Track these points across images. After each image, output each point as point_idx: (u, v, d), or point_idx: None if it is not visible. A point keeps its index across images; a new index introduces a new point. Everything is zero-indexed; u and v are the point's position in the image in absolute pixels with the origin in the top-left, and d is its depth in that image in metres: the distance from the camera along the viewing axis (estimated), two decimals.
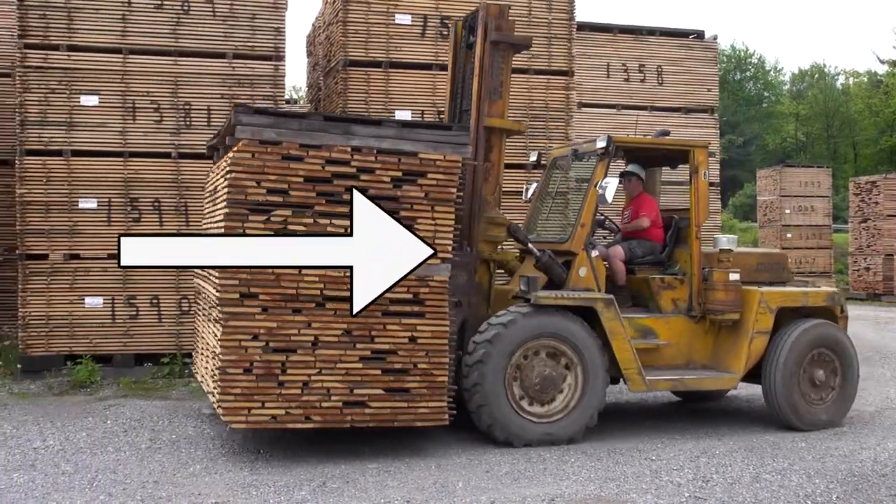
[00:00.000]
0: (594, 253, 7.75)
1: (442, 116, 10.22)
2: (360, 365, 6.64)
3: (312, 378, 6.54)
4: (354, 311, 6.57)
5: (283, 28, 10.08)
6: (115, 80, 9.62)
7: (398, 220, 6.69)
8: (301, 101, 21.07)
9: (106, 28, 9.58)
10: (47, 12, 9.44)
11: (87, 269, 9.53)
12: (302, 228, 6.49)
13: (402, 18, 10.25)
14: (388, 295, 6.67)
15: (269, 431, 7.11)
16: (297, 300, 6.51)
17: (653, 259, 8.35)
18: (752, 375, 7.99)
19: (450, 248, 6.87)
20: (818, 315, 8.16)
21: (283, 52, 10.10)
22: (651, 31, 12.81)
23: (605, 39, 12.55)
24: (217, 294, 6.44)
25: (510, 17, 7.75)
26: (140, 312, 9.64)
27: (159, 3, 9.69)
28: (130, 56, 9.64)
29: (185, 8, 9.73)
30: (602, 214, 8.62)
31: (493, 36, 7.65)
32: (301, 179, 6.49)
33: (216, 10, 9.80)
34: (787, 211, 23.74)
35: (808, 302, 8.14)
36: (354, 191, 6.54)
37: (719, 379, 7.91)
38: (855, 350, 8.17)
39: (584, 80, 11.96)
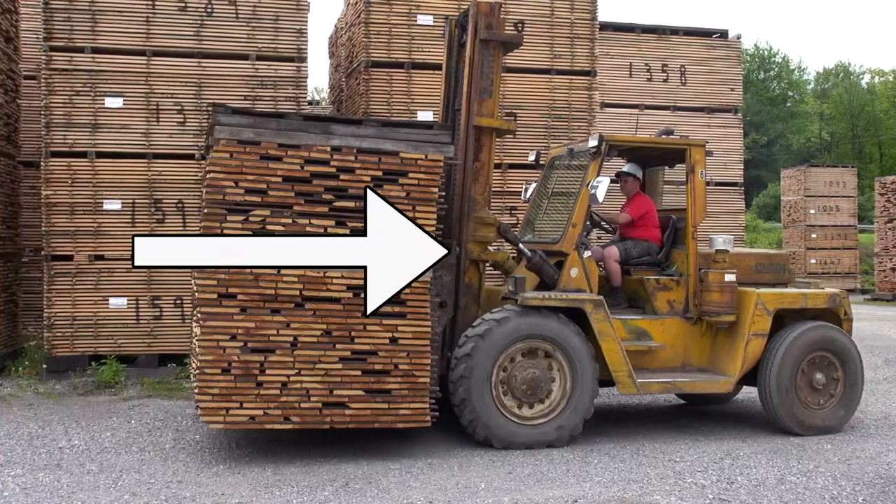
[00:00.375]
0: (587, 254, 7.64)
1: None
2: (339, 366, 6.59)
3: (291, 379, 6.52)
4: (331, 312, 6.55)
5: (306, 30, 10.11)
6: (140, 82, 9.68)
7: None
8: (323, 103, 21.12)
9: (130, 30, 9.64)
10: (72, 15, 9.51)
11: (111, 270, 9.59)
12: (280, 228, 6.49)
13: (424, 19, 10.25)
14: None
15: (293, 431, 7.12)
16: (276, 300, 6.50)
17: (649, 260, 8.23)
18: (754, 379, 7.87)
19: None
20: (823, 317, 7.98)
21: (306, 53, 10.12)
22: (674, 31, 12.75)
23: (627, 39, 12.51)
24: (195, 294, 6.47)
25: (507, 18, 7.74)
26: (164, 313, 9.69)
27: (183, 5, 9.74)
28: (154, 58, 9.70)
29: (209, 10, 9.78)
30: (597, 215, 8.47)
31: (482, 34, 7.56)
32: (280, 179, 6.49)
33: (239, 12, 9.84)
34: (812, 211, 23.60)
35: (808, 304, 7.91)
36: (372, 191, 6.55)
37: (714, 382, 7.73)
38: (859, 353, 7.95)
39: (607, 80, 11.92)
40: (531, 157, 8.84)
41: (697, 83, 12.75)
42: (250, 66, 9.87)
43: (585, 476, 6.42)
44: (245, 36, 9.87)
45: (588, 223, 8.33)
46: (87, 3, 9.53)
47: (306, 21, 10.13)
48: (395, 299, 6.66)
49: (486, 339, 7.06)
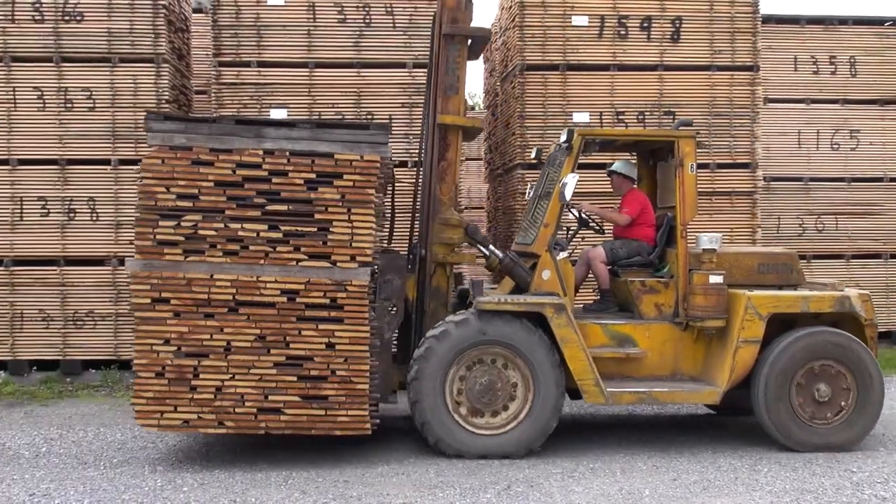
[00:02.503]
0: (561, 255, 7.28)
1: (622, 118, 10.10)
2: (274, 371, 6.51)
3: (225, 383, 6.48)
4: (267, 316, 6.49)
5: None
6: (303, 94, 9.99)
7: (312, 223, 6.55)
8: (477, 108, 21.26)
9: (293, 44, 9.96)
10: (239, 31, 9.92)
11: None
12: (212, 233, 6.47)
13: (579, 20, 10.17)
14: (303, 299, 6.51)
15: None
16: (209, 305, 6.47)
17: (640, 261, 7.70)
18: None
19: (369, 252, 6.59)
20: (842, 323, 7.26)
21: None
22: (842, 21, 12.15)
23: (791, 31, 12.00)
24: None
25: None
26: None
27: (342, 17, 10.00)
28: (316, 70, 9.99)
29: (367, 21, 10.00)
30: (587, 214, 8.13)
31: (446, 28, 7.31)
32: (211, 184, 6.48)
33: (396, 21, 10.02)
34: None
35: (810, 307, 7.14)
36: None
37: (698, 393, 7.14)
38: (875, 361, 7.11)
39: (770, 74, 11.47)
40: (533, 155, 8.45)
41: (868, 74, 12.10)
42: (407, 74, 10.03)
43: (755, 485, 6.20)
44: (402, 44, 10.03)
45: (576, 223, 8.15)
46: (253, 20, 9.92)
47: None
48: (331, 304, 6.53)
49: (442, 342, 6.81)
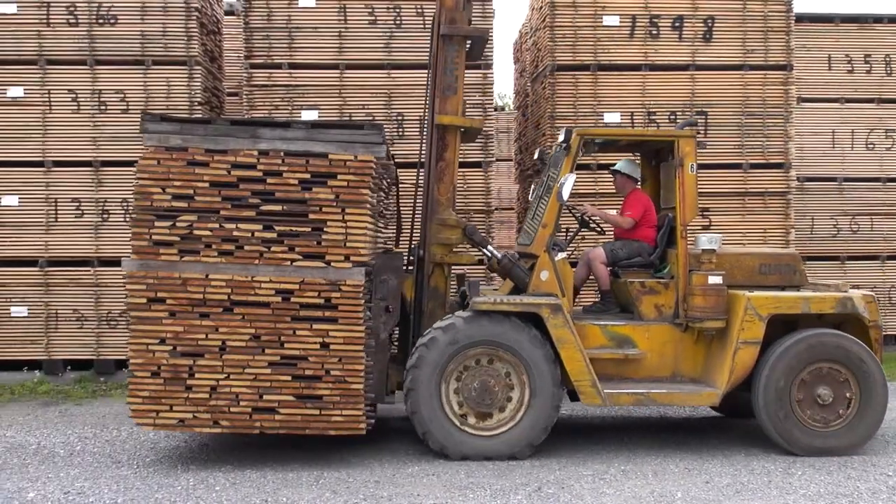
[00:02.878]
0: (560, 255, 7.21)
1: (653, 118, 10.05)
2: (268, 370, 6.51)
3: (221, 383, 6.49)
4: (262, 316, 6.49)
5: (491, 36, 10.18)
6: (333, 95, 10.03)
7: (307, 223, 6.54)
8: (507, 108, 21.22)
9: (324, 46, 10.01)
10: (270, 34, 9.97)
11: None
12: (207, 233, 6.49)
13: (610, 20, 10.13)
14: (297, 299, 6.50)
15: None
16: (205, 305, 6.49)
17: (641, 261, 7.63)
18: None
19: (363, 252, 6.57)
20: (847, 325, 7.18)
21: (491, 59, 10.19)
22: (877, 19, 12.00)
23: (825, 30, 11.88)
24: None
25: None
26: None
27: (373, 19, 10.03)
28: (347, 71, 10.03)
29: (398, 22, 10.01)
30: (589, 217, 8.10)
31: (443, 29, 7.30)
32: (206, 185, 6.51)
33: (427, 22, 10.02)
34: None
35: (811, 308, 7.04)
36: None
37: (696, 395, 7.06)
38: (878, 364, 7.00)
39: (804, 73, 11.36)
40: (536, 156, 8.34)
41: None
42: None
43: (788, 488, 6.13)
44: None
45: (577, 223, 8.12)
46: (285, 22, 9.97)
47: (492, 28, 10.20)
48: (325, 304, 6.52)
49: (431, 349, 6.79)
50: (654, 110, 10.13)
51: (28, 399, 9.30)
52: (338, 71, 10.03)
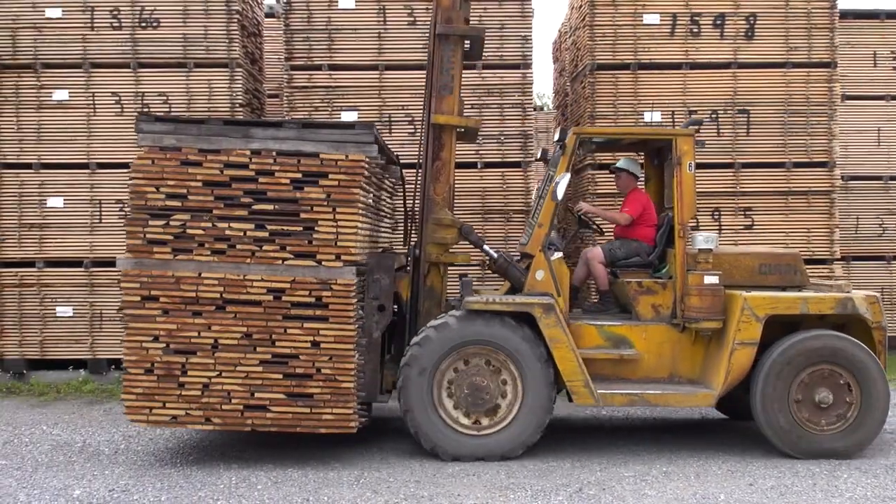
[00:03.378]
0: (556, 255, 7.18)
1: (695, 117, 9.95)
2: (260, 369, 6.56)
3: (213, 380, 6.55)
4: (254, 314, 6.55)
5: (531, 36, 10.16)
6: (373, 96, 10.05)
7: (298, 222, 6.57)
8: (546, 108, 21.18)
9: (363, 47, 10.04)
10: (310, 35, 10.02)
11: None
12: (200, 232, 6.55)
13: (651, 18, 10.05)
14: (288, 298, 6.54)
15: None
16: (197, 303, 6.55)
17: (639, 261, 7.59)
18: None
19: (353, 251, 6.59)
20: (849, 326, 7.06)
21: (531, 59, 10.16)
22: None
23: (870, 26, 11.69)
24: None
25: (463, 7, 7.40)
26: None
27: (412, 19, 10.03)
28: (386, 72, 10.05)
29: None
30: (586, 215, 8.06)
31: (439, 28, 7.30)
32: (199, 184, 6.57)
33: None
34: None
35: (809, 309, 6.94)
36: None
37: (692, 396, 6.98)
38: (879, 366, 6.88)
39: (848, 70, 11.19)
40: (538, 154, 8.25)
41: None
42: (477, 75, 10.01)
43: (834, 491, 6.05)
44: None
45: (576, 223, 8.09)
46: (325, 23, 10.01)
47: (531, 27, 10.17)
48: (316, 302, 6.55)
49: (424, 348, 6.81)
50: (695, 109, 10.03)
51: (73, 398, 9.44)
52: (377, 72, 10.05)
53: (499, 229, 9.99)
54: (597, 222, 8.29)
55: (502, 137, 10.01)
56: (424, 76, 9.87)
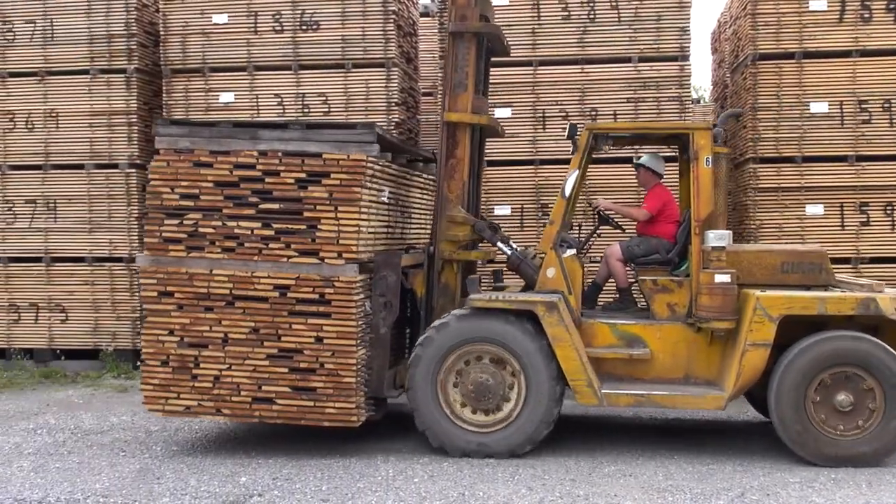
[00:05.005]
0: (568, 252, 7.10)
1: (864, 107, 9.51)
2: (266, 362, 6.75)
3: (223, 373, 6.78)
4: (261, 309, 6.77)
5: (689, 27, 9.90)
6: (526, 92, 10.03)
7: (302, 220, 6.71)
8: (703, 101, 20.61)
9: (517, 42, 10.00)
10: None
11: None
12: (211, 231, 6.79)
13: (817, 4, 9.60)
14: (293, 295, 6.69)
15: (689, 434, 6.99)
16: (209, 299, 6.79)
17: (659, 258, 7.34)
18: None
19: (355, 249, 6.67)
20: (881, 328, 6.66)
21: (689, 51, 9.91)
22: None
23: None
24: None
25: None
26: None
27: (566, 14, 9.95)
28: (540, 68, 10.01)
29: (591, 16, 9.90)
30: (604, 211, 7.86)
31: (452, 26, 7.28)
32: (211, 184, 6.81)
33: (621, 15, 9.86)
34: None
35: (827, 309, 6.55)
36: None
37: (701, 398, 6.74)
38: None
39: None
40: (567, 135, 7.68)
41: None
42: (632, 69, 9.86)
43: None
44: (627, 39, 9.87)
45: (596, 220, 8.00)
46: None
47: (689, 19, 9.91)
48: (319, 299, 6.67)
49: (427, 347, 6.85)
50: (865, 99, 9.54)
51: None
52: (531, 67, 10.02)
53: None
54: (615, 218, 8.15)
55: None
56: (578, 71, 9.93)
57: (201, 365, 6.85)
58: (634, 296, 7.80)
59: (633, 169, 8.21)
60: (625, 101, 9.87)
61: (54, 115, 10.81)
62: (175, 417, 7.36)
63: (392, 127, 9.93)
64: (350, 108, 10.19)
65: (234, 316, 6.82)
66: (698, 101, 18.02)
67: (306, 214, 6.76)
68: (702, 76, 26.28)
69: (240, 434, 7.66)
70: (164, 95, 10.58)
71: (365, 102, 10.20)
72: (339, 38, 10.26)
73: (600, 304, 7.83)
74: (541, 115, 9.97)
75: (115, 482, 6.26)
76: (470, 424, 6.89)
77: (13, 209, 10.86)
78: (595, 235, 8.27)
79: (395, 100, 10.18)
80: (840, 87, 9.60)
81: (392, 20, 10.19)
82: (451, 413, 6.89)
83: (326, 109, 10.25)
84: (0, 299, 10.88)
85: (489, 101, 9.99)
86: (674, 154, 8.27)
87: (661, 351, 7.00)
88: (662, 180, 7.89)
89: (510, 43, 9.98)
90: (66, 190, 10.79)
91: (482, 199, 8.76)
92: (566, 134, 7.38)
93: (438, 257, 7.37)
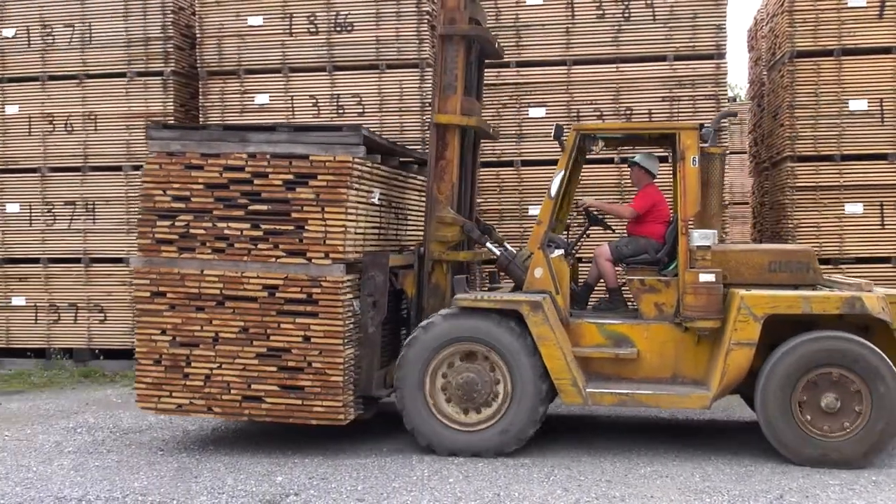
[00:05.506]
0: (556, 252, 7.11)
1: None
2: (256, 361, 6.84)
3: (214, 371, 6.89)
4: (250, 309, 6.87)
5: (724, 25, 9.81)
6: (560, 92, 10.00)
7: (290, 221, 6.80)
8: (738, 99, 20.44)
9: (551, 42, 10.00)
10: (498, 33, 9.95)
11: None
12: (202, 232, 6.90)
13: (856, 0, 9.49)
14: (282, 294, 6.78)
15: (729, 434, 6.92)
16: (200, 299, 6.90)
17: (648, 258, 7.33)
18: None
19: (342, 249, 6.75)
20: (872, 328, 6.62)
21: (725, 49, 9.83)
22: None
23: None
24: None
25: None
26: None
27: (601, 13, 9.91)
28: (574, 67, 9.97)
29: (626, 15, 9.85)
30: (597, 211, 7.92)
31: (441, 29, 7.36)
32: (201, 186, 6.93)
33: (656, 13, 9.80)
34: None
35: (812, 308, 6.51)
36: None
37: (685, 398, 6.74)
38: (893, 370, 6.36)
39: None
40: (553, 135, 7.74)
41: None
42: (668, 67, 9.79)
43: None
44: (662, 37, 9.81)
45: (586, 220, 8.03)
46: (513, 20, 10.05)
47: (725, 16, 9.83)
48: (307, 299, 6.76)
49: (413, 347, 6.92)
50: None
51: None
52: (565, 67, 9.99)
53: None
54: (607, 219, 8.19)
55: None
56: (613, 70, 9.87)
57: (193, 364, 6.97)
58: (625, 296, 7.81)
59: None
60: (660, 99, 9.81)
61: (93, 117, 10.95)
62: (168, 416, 7.50)
63: (426, 128, 9.93)
64: (384, 109, 10.22)
65: (225, 315, 6.93)
66: (734, 100, 17.90)
67: (294, 215, 6.86)
68: (738, 74, 26.01)
69: (276, 433, 7.70)
70: (200, 98, 10.68)
71: (399, 103, 10.22)
72: (374, 38, 10.28)
73: (592, 303, 7.88)
74: (575, 114, 9.92)
75: (153, 481, 6.32)
76: (457, 423, 6.94)
77: (53, 211, 11.02)
78: (585, 236, 8.31)
79: (429, 100, 10.18)
80: (880, 84, 9.49)
81: (426, 21, 10.20)
82: (438, 412, 6.95)
83: (360, 110, 10.28)
84: (40, 300, 11.05)
85: (524, 101, 10.05)
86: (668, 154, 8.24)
87: (648, 351, 7.02)
88: (656, 181, 7.91)
89: (543, 42, 10.01)
90: (104, 191, 10.93)
91: (476, 199, 8.67)
92: (552, 134, 7.49)
93: (428, 258, 7.45)
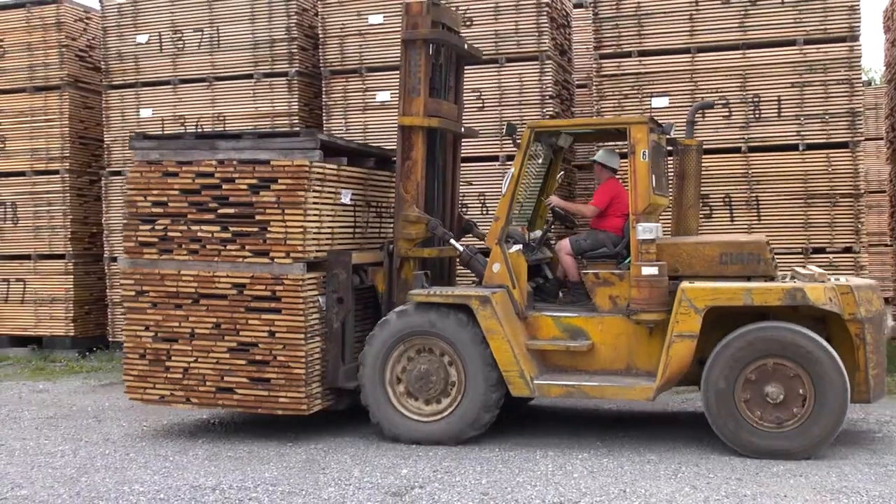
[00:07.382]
0: (514, 248, 7.29)
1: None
2: (228, 355, 7.31)
3: (191, 365, 7.40)
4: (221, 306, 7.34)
5: (858, 5, 9.40)
6: (684, 80, 9.77)
7: (254, 223, 7.23)
8: (873, 83, 19.59)
9: (674, 30, 9.78)
10: (619, 23, 9.91)
11: None
12: (178, 235, 7.42)
13: None
14: (249, 292, 7.24)
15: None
16: (178, 297, 7.43)
17: (606, 252, 7.48)
18: None
19: (301, 249, 7.15)
20: (827, 319, 6.61)
21: (858, 31, 9.41)
22: None
23: None
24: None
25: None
26: None
27: None
28: (698, 55, 9.73)
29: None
30: (560, 208, 7.91)
31: (404, 34, 7.63)
32: (177, 192, 7.44)
33: None
34: None
35: (753, 300, 6.50)
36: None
37: (630, 389, 6.82)
38: (835, 360, 6.34)
39: None
40: (505, 132, 7.91)
41: None
42: (797, 52, 9.44)
43: None
44: (791, 20, 9.46)
45: (549, 216, 8.12)
46: (634, 9, 9.86)
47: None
48: (271, 296, 7.19)
49: (372, 344, 7.25)
50: None
51: None
52: (689, 55, 9.75)
53: (823, 215, 9.37)
54: (564, 214, 8.14)
55: (827, 117, 9.36)
56: (739, 56, 9.58)
57: (172, 357, 7.48)
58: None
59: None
60: (789, 86, 9.48)
61: (221, 118, 11.30)
62: (151, 405, 7.86)
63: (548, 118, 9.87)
64: (503, 103, 10.21)
65: (200, 313, 7.42)
66: (869, 84, 17.15)
67: (258, 218, 7.30)
68: (873, 57, 24.87)
69: None
70: (323, 96, 10.89)
71: (518, 97, 10.19)
72: (492, 32, 10.27)
73: (553, 298, 7.91)
74: (701, 101, 9.65)
75: (282, 471, 6.49)
76: (417, 414, 7.21)
77: None
78: (550, 232, 8.34)
79: (549, 93, 10.12)
80: None
81: (545, 13, 10.12)
82: (399, 405, 7.24)
83: (480, 105, 10.29)
84: None
85: (646, 91, 9.85)
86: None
87: (603, 343, 7.11)
88: (617, 175, 7.99)
89: (666, 30, 9.79)
90: None
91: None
92: (504, 131, 7.60)
93: (397, 255, 7.71)
